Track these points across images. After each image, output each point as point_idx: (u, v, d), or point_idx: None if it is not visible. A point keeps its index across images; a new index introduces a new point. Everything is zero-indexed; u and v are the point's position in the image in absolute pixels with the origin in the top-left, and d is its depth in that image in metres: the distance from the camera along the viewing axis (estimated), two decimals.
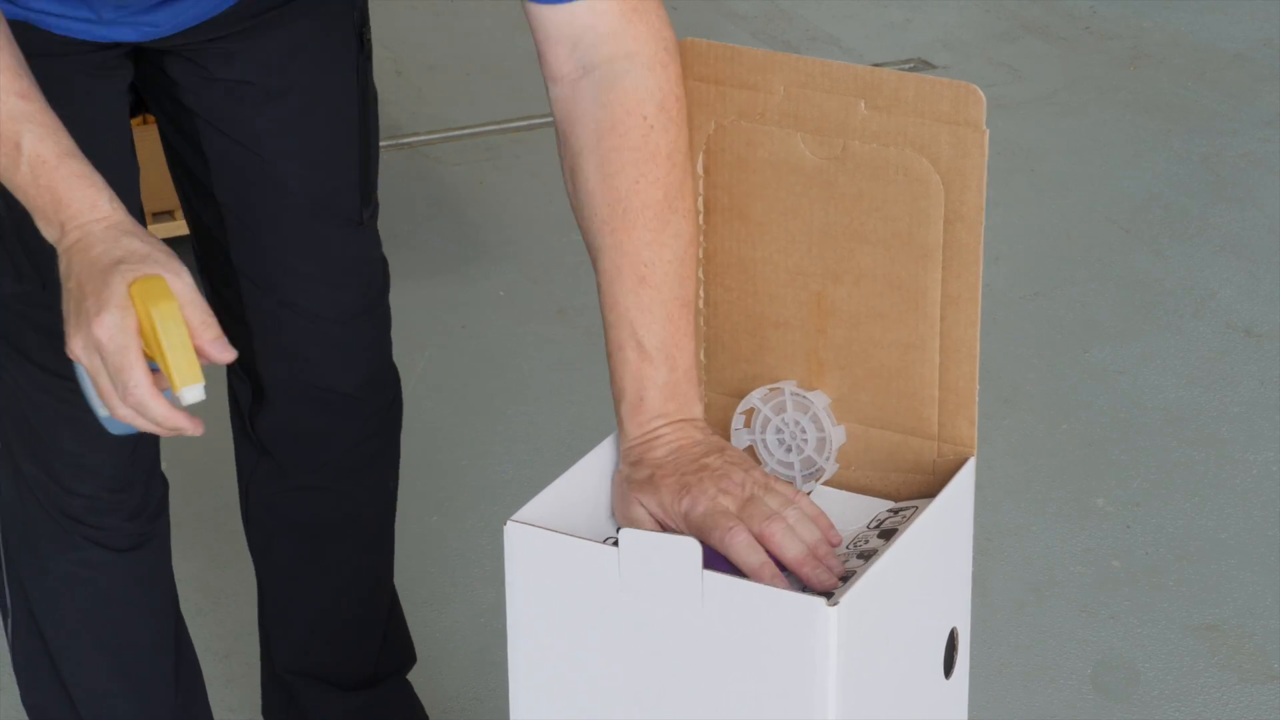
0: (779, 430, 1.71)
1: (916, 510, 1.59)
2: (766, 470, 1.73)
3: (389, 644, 2.25)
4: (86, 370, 1.53)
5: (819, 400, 1.69)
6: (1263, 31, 4.30)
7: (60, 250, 1.55)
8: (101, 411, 1.57)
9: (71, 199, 1.55)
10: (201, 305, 1.53)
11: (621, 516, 1.61)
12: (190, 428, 1.51)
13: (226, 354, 1.54)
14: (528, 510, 1.59)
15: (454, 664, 2.52)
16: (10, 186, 1.57)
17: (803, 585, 1.56)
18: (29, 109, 1.56)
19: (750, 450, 1.73)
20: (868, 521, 1.65)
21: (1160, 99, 4.02)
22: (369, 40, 1.97)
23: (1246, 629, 2.58)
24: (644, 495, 1.59)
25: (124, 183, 1.83)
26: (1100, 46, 4.27)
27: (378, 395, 2.11)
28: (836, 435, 1.70)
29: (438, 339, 3.22)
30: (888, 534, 1.59)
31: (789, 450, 1.71)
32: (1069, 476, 2.89)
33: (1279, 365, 3.14)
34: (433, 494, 2.83)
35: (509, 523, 1.56)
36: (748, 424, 1.73)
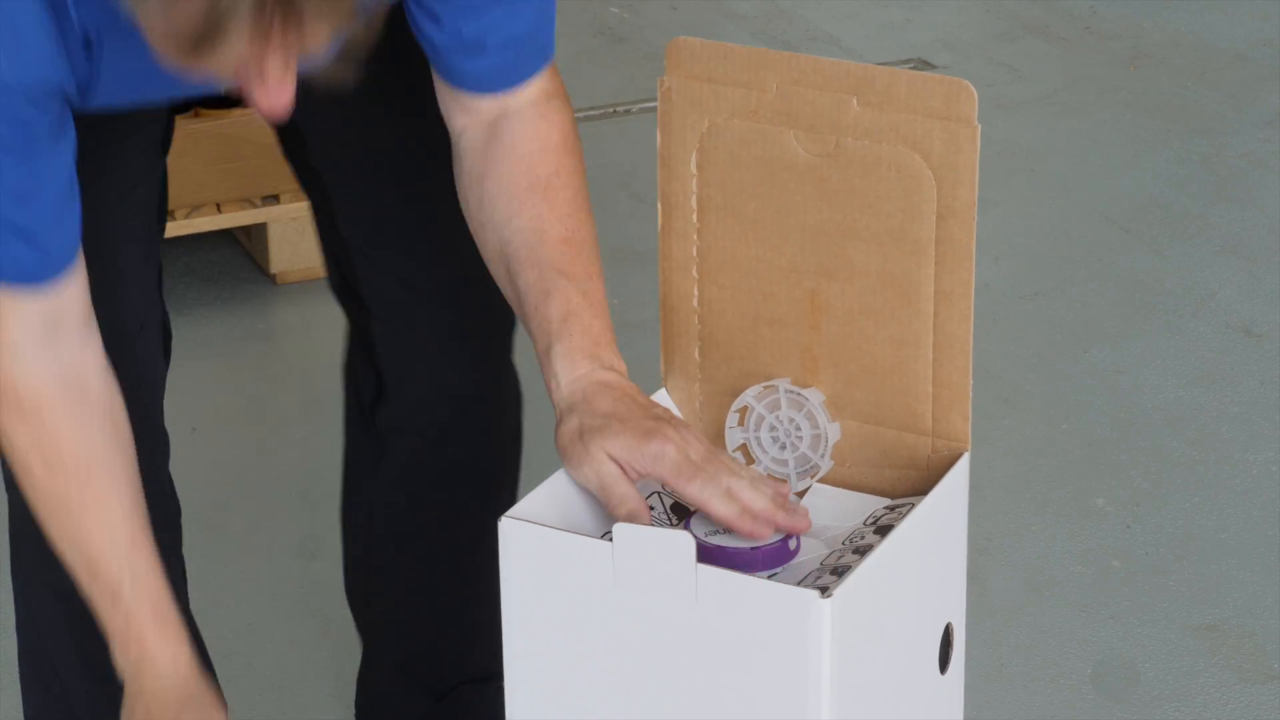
0: (773, 428, 1.71)
1: (913, 507, 1.59)
2: (760, 469, 1.73)
3: (484, 645, 2.21)
4: None
5: (814, 397, 1.70)
6: (1263, 31, 4.30)
7: (130, 687, 1.71)
8: None
9: (156, 655, 1.69)
10: None
11: (584, 468, 1.60)
12: None
13: None
14: (523, 506, 1.59)
15: None
16: (99, 615, 1.70)
17: (797, 581, 1.56)
18: (136, 561, 1.68)
19: (744, 449, 1.73)
20: (864, 518, 1.66)
21: (1160, 99, 4.02)
22: None
23: (1246, 629, 2.58)
24: (607, 442, 1.58)
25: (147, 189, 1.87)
26: (1100, 46, 4.27)
27: (503, 392, 2.09)
28: (832, 432, 1.70)
29: None
30: (884, 530, 1.59)
31: (783, 448, 1.72)
32: (1069, 476, 2.89)
33: (1279, 365, 3.14)
34: None
35: (504, 518, 1.57)
36: (741, 422, 1.73)
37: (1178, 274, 3.40)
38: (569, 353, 1.65)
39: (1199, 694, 2.48)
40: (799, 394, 1.70)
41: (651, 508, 1.67)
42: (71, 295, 1.63)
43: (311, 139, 1.95)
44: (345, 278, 2.03)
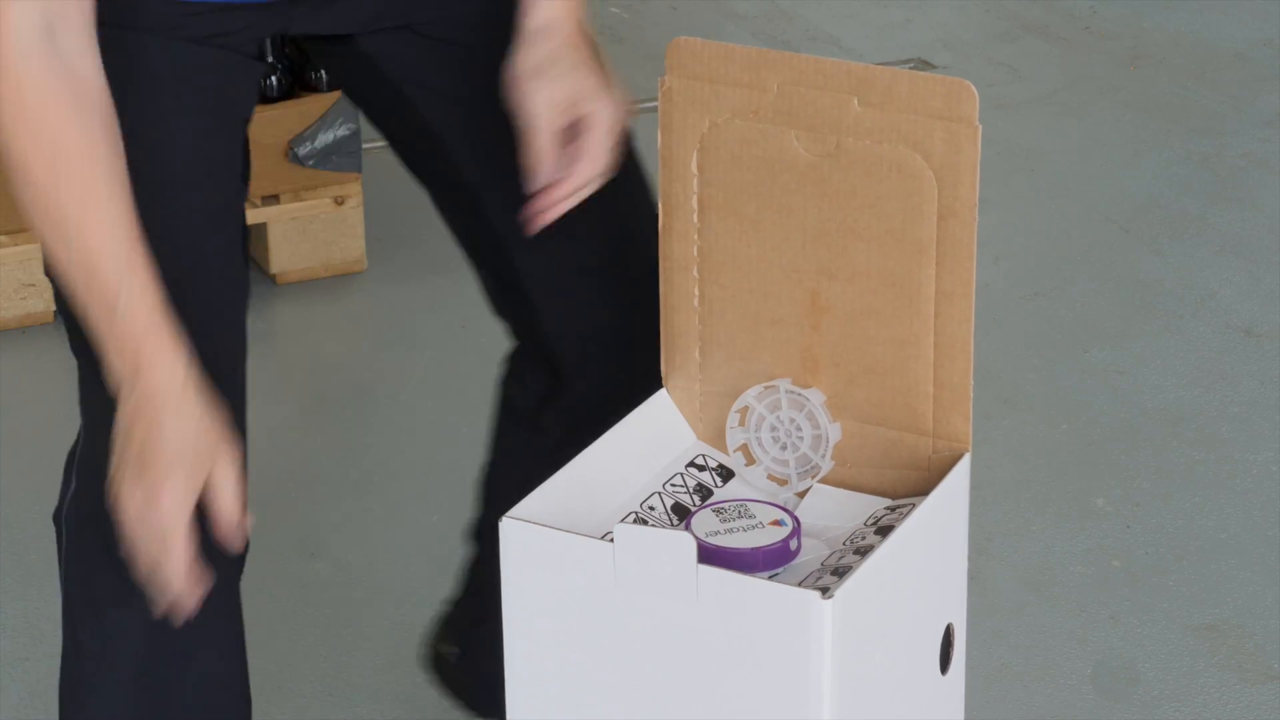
0: (774, 428, 1.71)
1: (914, 507, 1.59)
2: (761, 469, 1.73)
3: None
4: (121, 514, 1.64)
5: (815, 397, 1.70)
6: (1263, 31, 4.30)
7: (126, 393, 1.65)
8: None
9: (154, 364, 1.64)
10: (234, 494, 1.67)
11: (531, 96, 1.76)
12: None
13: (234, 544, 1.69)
14: (523, 507, 1.59)
15: None
16: (94, 324, 1.66)
17: (798, 581, 1.56)
18: (135, 262, 1.64)
19: (744, 449, 1.73)
20: (865, 519, 1.66)
21: (1160, 99, 4.02)
22: None
23: (1246, 629, 2.58)
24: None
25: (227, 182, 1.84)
26: (1100, 46, 4.27)
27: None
28: (833, 432, 1.70)
29: (438, 339, 3.22)
30: (885, 531, 1.59)
31: (784, 448, 1.72)
32: (1069, 476, 2.89)
33: (1279, 365, 3.14)
34: (433, 494, 2.83)
35: (504, 519, 1.57)
36: (742, 422, 1.73)
37: (1178, 274, 3.40)
38: None
39: (1199, 694, 2.48)
40: (800, 394, 1.70)
41: (651, 508, 1.67)
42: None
43: (457, 142, 1.92)
44: (504, 276, 1.97)
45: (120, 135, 1.66)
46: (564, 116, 1.77)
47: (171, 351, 1.65)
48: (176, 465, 1.64)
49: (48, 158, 1.62)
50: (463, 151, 1.90)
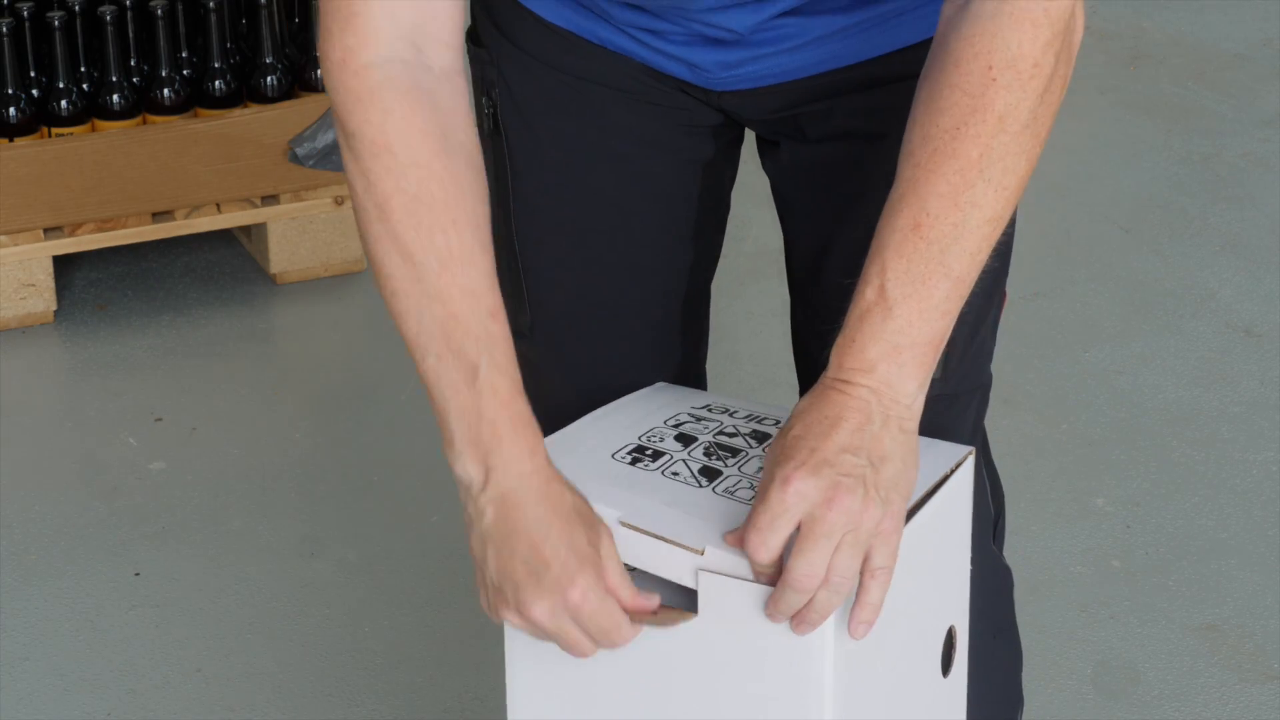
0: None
1: (916, 508, 1.58)
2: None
3: None
4: (540, 636, 1.48)
5: None
6: (1263, 31, 4.30)
7: (479, 496, 1.47)
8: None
9: (513, 442, 1.46)
10: (623, 572, 1.47)
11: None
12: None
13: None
14: None
15: (454, 664, 2.52)
16: (441, 402, 1.47)
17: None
18: (496, 332, 1.46)
19: None
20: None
21: (1160, 99, 4.02)
22: None
23: (1246, 629, 2.58)
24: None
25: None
26: (1100, 46, 4.27)
27: None
28: None
29: None
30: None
31: None
32: (1069, 476, 2.89)
33: (1279, 365, 3.14)
34: (433, 494, 2.83)
35: None
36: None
37: (1178, 274, 3.40)
38: (837, 351, 1.46)
39: (1199, 694, 2.48)
40: None
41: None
42: (441, 9, 1.45)
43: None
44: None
45: (487, 191, 1.49)
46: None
47: (532, 436, 1.47)
48: (577, 564, 1.45)
49: (413, 196, 1.45)
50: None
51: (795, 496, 1.41)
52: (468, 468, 1.47)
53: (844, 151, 1.62)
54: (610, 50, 1.62)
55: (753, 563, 1.43)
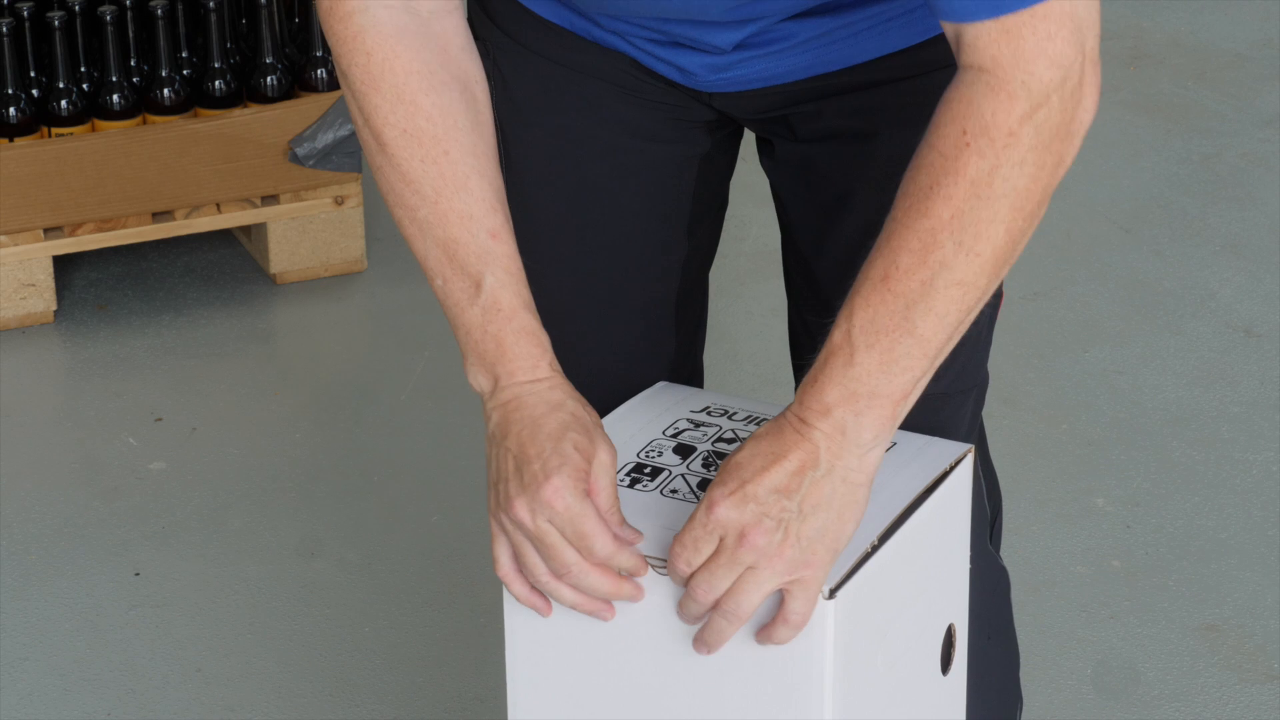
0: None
1: (916, 507, 1.58)
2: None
3: None
4: (511, 537, 1.50)
5: None
6: (1263, 31, 4.30)
7: (488, 404, 1.54)
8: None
9: (516, 354, 1.53)
10: (613, 488, 1.50)
11: None
12: (633, 595, 1.50)
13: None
14: None
15: (455, 664, 2.52)
16: (453, 320, 1.55)
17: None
18: (497, 250, 1.53)
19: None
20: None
21: (1160, 99, 4.02)
22: None
23: (1246, 629, 2.58)
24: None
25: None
26: (1100, 46, 4.26)
27: None
28: None
29: (438, 339, 3.22)
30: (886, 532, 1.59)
31: None
32: (1069, 476, 2.89)
33: (1279, 365, 3.14)
34: (433, 494, 2.83)
35: None
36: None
37: (1178, 274, 3.40)
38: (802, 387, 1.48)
39: (1199, 694, 2.48)
40: None
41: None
42: None
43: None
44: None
45: (489, 107, 1.55)
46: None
47: (536, 344, 1.53)
48: (558, 463, 1.48)
49: (402, 130, 1.52)
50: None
51: (715, 523, 1.45)
52: (478, 379, 1.54)
53: (834, 150, 1.63)
54: (603, 46, 1.64)
55: (671, 573, 1.47)
